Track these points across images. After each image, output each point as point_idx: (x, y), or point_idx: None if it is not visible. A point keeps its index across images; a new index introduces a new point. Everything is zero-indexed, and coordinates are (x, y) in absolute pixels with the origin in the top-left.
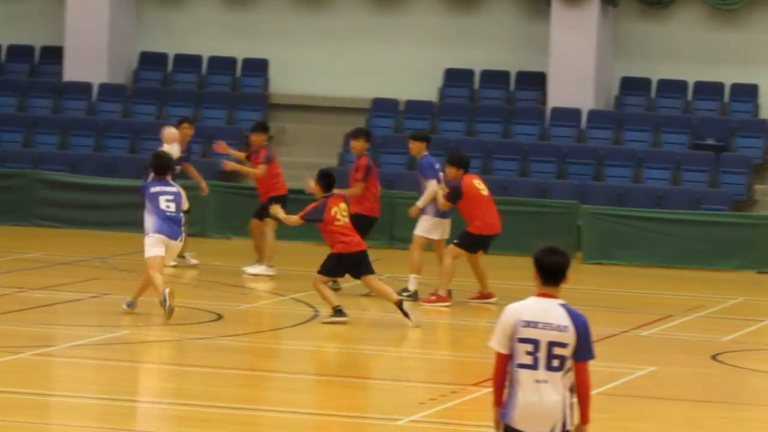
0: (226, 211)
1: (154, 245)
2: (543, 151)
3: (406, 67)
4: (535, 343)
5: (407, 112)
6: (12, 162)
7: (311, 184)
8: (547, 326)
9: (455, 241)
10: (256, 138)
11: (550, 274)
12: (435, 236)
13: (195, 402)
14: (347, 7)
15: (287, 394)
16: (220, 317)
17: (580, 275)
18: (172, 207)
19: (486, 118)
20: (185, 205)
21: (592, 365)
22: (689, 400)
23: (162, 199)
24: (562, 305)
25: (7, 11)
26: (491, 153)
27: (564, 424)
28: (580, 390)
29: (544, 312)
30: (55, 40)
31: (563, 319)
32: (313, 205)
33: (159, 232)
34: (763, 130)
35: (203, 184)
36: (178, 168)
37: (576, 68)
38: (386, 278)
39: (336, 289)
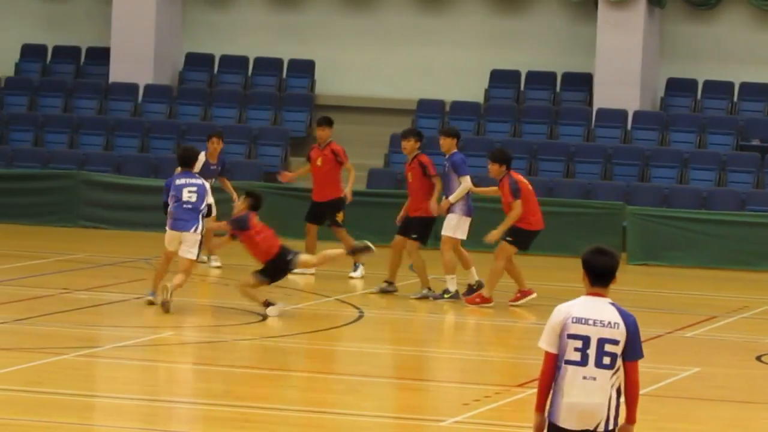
0: (274, 212)
1: (168, 242)
2: (588, 152)
3: (452, 68)
4: (584, 339)
5: (453, 113)
6: (57, 163)
7: (239, 204)
8: (597, 323)
9: (507, 239)
10: (323, 133)
11: (599, 274)
12: (459, 235)
13: (238, 403)
14: (394, 9)
15: (331, 395)
16: (264, 318)
17: (625, 276)
18: (194, 198)
19: (532, 119)
20: (210, 199)
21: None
22: (733, 401)
23: (185, 190)
24: (612, 304)
25: (54, 12)
26: (537, 154)
27: (607, 424)
28: (630, 389)
29: (594, 309)
30: (101, 41)
31: (614, 316)
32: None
33: (172, 228)
34: None
35: (235, 196)
36: (212, 181)
37: (622, 69)
38: (430, 279)
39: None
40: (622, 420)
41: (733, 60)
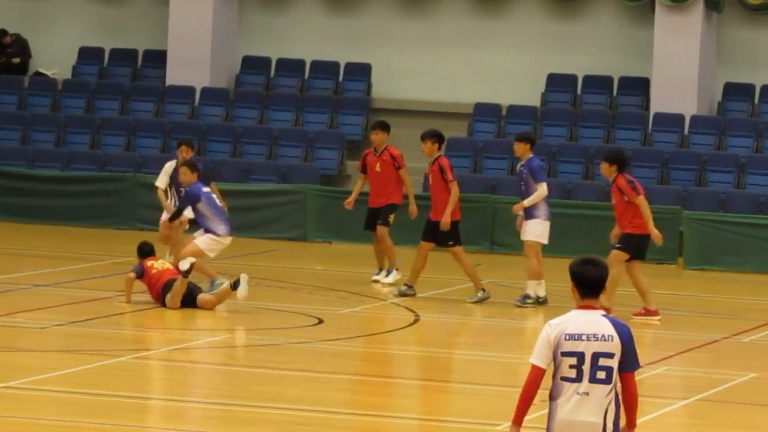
0: (328, 216)
1: (214, 248)
2: (645, 157)
3: (508, 72)
4: (579, 355)
5: (509, 117)
6: (114, 165)
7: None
8: (591, 337)
9: (617, 245)
10: (378, 137)
11: (589, 286)
12: (543, 240)
13: (295, 406)
14: (450, 13)
15: (387, 398)
16: (320, 321)
17: (682, 281)
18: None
19: (588, 124)
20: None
21: (693, 371)
22: None
23: (214, 197)
24: (604, 315)
25: (111, 16)
26: (593, 158)
27: None
28: (628, 400)
29: (587, 324)
30: (158, 44)
31: (607, 328)
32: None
33: (230, 234)
34: None
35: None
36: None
37: (679, 74)
38: (487, 282)
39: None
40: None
41: None
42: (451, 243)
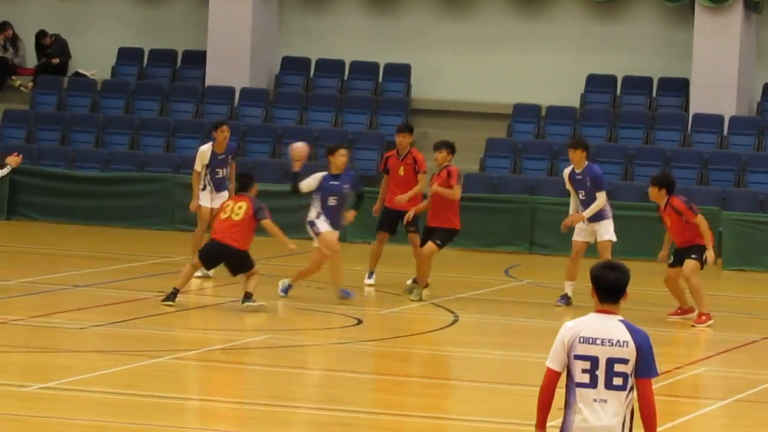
0: (366, 216)
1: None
2: (685, 158)
3: (548, 73)
4: (593, 360)
5: (549, 117)
6: (153, 166)
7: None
8: (605, 342)
9: (693, 256)
10: (404, 140)
11: (608, 291)
12: (614, 238)
13: (335, 407)
14: (489, 14)
15: (427, 399)
16: (360, 322)
17: (720, 282)
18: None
19: (628, 124)
20: None
21: (732, 371)
22: None
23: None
24: (622, 321)
25: (151, 16)
26: (633, 159)
27: None
28: (644, 410)
29: (602, 328)
30: (197, 45)
31: (623, 334)
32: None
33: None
34: None
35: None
36: (224, 171)
37: (718, 75)
38: (526, 283)
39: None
40: None
41: None
42: (438, 243)
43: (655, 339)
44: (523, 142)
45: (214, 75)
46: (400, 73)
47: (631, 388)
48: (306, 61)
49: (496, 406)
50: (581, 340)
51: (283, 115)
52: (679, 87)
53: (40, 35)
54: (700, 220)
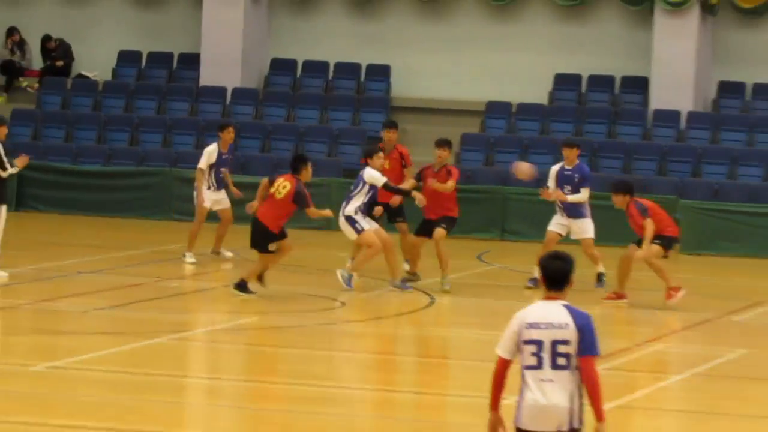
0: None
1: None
2: (645, 151)
3: (518, 71)
4: (538, 343)
5: (519, 114)
6: (151, 161)
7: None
8: (549, 326)
9: (656, 241)
10: (392, 135)
11: (553, 279)
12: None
13: (321, 383)
14: (464, 17)
15: (404, 375)
16: (343, 304)
17: (678, 265)
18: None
19: (593, 120)
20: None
21: (689, 347)
22: None
23: None
24: (565, 305)
25: (148, 21)
26: (597, 152)
27: (571, 422)
28: (589, 386)
29: (546, 313)
30: (192, 48)
31: (565, 317)
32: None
33: None
34: None
35: (233, 188)
36: (226, 170)
37: (676, 73)
38: (498, 267)
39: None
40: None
41: None
42: (444, 226)
43: (618, 319)
44: (495, 136)
45: (208, 76)
46: (381, 72)
47: (575, 368)
48: (293, 62)
49: (469, 380)
50: (528, 326)
51: (272, 112)
52: (640, 85)
53: (45, 39)
54: (648, 224)
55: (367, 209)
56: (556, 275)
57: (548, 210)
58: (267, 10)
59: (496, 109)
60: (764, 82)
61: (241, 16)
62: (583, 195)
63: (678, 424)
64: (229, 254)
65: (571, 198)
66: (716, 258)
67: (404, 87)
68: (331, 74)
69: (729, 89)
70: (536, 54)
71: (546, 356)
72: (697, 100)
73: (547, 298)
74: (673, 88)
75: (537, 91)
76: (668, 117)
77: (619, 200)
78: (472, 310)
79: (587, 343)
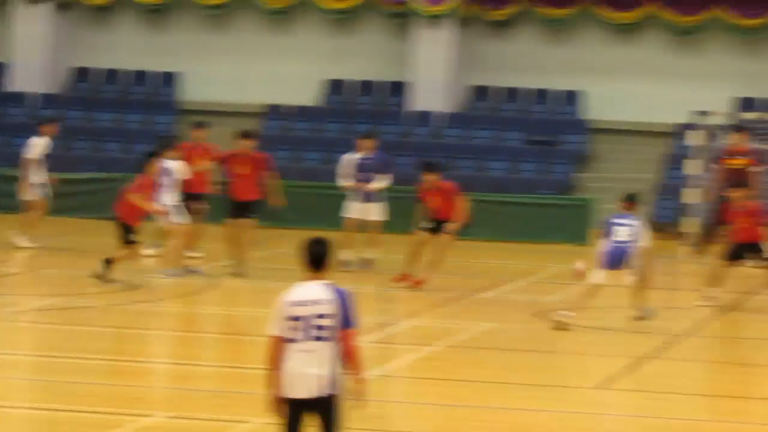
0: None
1: None
2: (404, 148)
3: (294, 78)
4: (301, 319)
5: (298, 116)
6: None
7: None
8: (311, 302)
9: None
10: (199, 133)
11: (312, 261)
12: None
13: (115, 357)
14: (245, 28)
15: (192, 349)
16: (138, 287)
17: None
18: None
19: (359, 120)
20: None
21: (441, 322)
22: (518, 350)
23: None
24: (326, 284)
25: None
26: None
27: (326, 388)
28: (348, 357)
29: (309, 292)
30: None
31: (325, 294)
32: None
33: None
34: (583, 129)
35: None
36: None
37: (431, 78)
38: (280, 252)
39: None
40: (346, 386)
41: (529, 70)
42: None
43: (379, 297)
44: (272, 136)
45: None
46: (172, 80)
47: (334, 340)
48: (95, 71)
49: (242, 354)
50: (291, 304)
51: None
52: (398, 89)
53: None
54: (460, 200)
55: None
56: (313, 257)
57: (315, 200)
58: (72, 22)
59: (274, 112)
60: (510, 86)
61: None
62: (387, 181)
63: (431, 391)
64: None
65: (372, 186)
66: (468, 242)
67: (194, 92)
68: (126, 82)
69: (479, 92)
70: (308, 62)
71: (308, 330)
72: (451, 102)
73: (310, 278)
74: (430, 91)
75: (310, 95)
76: (425, 118)
77: (432, 179)
78: (249, 291)
79: (347, 317)
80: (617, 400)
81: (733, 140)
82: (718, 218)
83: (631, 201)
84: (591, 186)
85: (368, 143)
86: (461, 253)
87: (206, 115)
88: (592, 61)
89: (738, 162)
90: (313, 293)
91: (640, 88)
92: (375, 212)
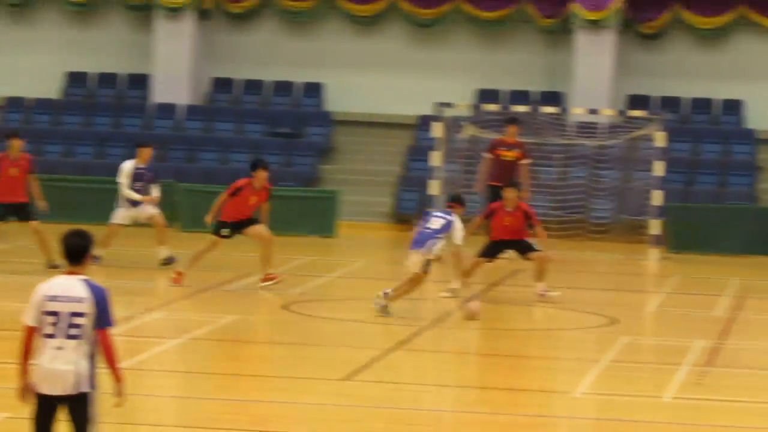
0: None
1: None
2: (147, 140)
3: (33, 69)
4: (57, 314)
5: (35, 108)
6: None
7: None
8: (67, 299)
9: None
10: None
11: (70, 254)
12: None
13: None
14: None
15: None
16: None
17: (178, 242)
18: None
19: (101, 113)
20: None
21: (185, 314)
22: (265, 342)
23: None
24: (84, 280)
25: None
26: (105, 142)
27: (78, 386)
28: (106, 354)
29: (66, 287)
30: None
31: (82, 291)
32: None
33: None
34: (327, 121)
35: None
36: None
37: (174, 70)
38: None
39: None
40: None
41: (271, 62)
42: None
43: (125, 290)
44: (10, 129)
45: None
46: None
47: (87, 337)
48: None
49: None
50: (48, 299)
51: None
52: (142, 81)
53: None
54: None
55: None
56: (74, 250)
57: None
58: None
59: (13, 104)
60: (252, 78)
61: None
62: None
63: (177, 383)
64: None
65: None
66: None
67: None
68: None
69: (221, 84)
70: (49, 54)
71: (62, 326)
72: (193, 94)
73: (69, 272)
74: (172, 83)
75: (51, 87)
76: (167, 110)
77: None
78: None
79: (104, 316)
80: (363, 391)
81: (506, 132)
82: (486, 212)
83: (454, 201)
84: (335, 178)
85: (147, 152)
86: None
87: None
88: (334, 53)
89: (509, 154)
90: (70, 289)
91: (383, 80)
92: (151, 211)
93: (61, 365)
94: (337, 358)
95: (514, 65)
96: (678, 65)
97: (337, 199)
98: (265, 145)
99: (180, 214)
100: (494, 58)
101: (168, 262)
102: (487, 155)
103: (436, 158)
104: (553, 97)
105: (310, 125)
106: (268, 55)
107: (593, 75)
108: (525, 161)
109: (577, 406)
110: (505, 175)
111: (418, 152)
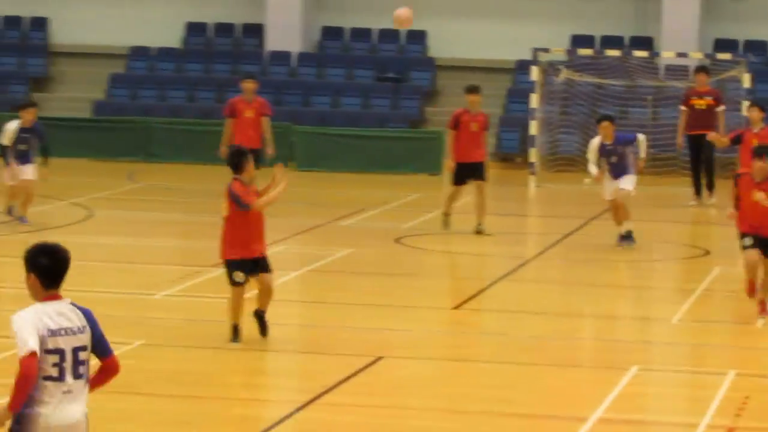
0: None
1: None
2: (264, 85)
3: (154, 20)
4: (61, 352)
5: (158, 57)
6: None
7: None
8: (68, 332)
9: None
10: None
11: (54, 277)
12: None
13: None
14: None
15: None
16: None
17: (295, 180)
18: None
19: (219, 61)
20: None
21: (304, 248)
22: (379, 273)
23: None
24: (72, 304)
25: None
26: (223, 87)
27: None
28: (106, 381)
29: (62, 317)
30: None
31: (80, 319)
32: None
33: None
34: (430, 66)
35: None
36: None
37: (286, 19)
38: (145, 185)
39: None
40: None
41: (378, 11)
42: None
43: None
44: (138, 76)
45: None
46: (41, 23)
47: (89, 374)
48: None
49: (118, 280)
50: (50, 333)
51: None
52: (257, 30)
53: None
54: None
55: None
56: (57, 272)
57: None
58: None
59: (139, 53)
60: (362, 26)
61: None
62: None
63: (299, 312)
64: None
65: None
66: (325, 174)
67: (61, 35)
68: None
69: (330, 33)
70: (170, 5)
71: (68, 366)
72: (305, 43)
73: (51, 298)
74: (285, 32)
75: (173, 37)
76: (281, 57)
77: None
78: (125, 221)
79: (103, 341)
80: (471, 318)
81: (696, 81)
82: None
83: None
84: (439, 119)
85: (31, 113)
86: (318, 184)
87: (75, 57)
88: (437, 2)
89: (702, 102)
90: (67, 318)
91: (483, 27)
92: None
93: (74, 414)
94: (447, 288)
95: (607, 11)
96: (763, 9)
97: (441, 139)
98: (373, 89)
99: (296, 154)
100: (587, 5)
101: (9, 212)
102: (682, 107)
103: (534, 100)
104: (643, 42)
105: (414, 70)
106: (376, 4)
107: (681, 20)
108: (720, 108)
109: (675, 332)
110: (701, 123)
111: (518, 95)
